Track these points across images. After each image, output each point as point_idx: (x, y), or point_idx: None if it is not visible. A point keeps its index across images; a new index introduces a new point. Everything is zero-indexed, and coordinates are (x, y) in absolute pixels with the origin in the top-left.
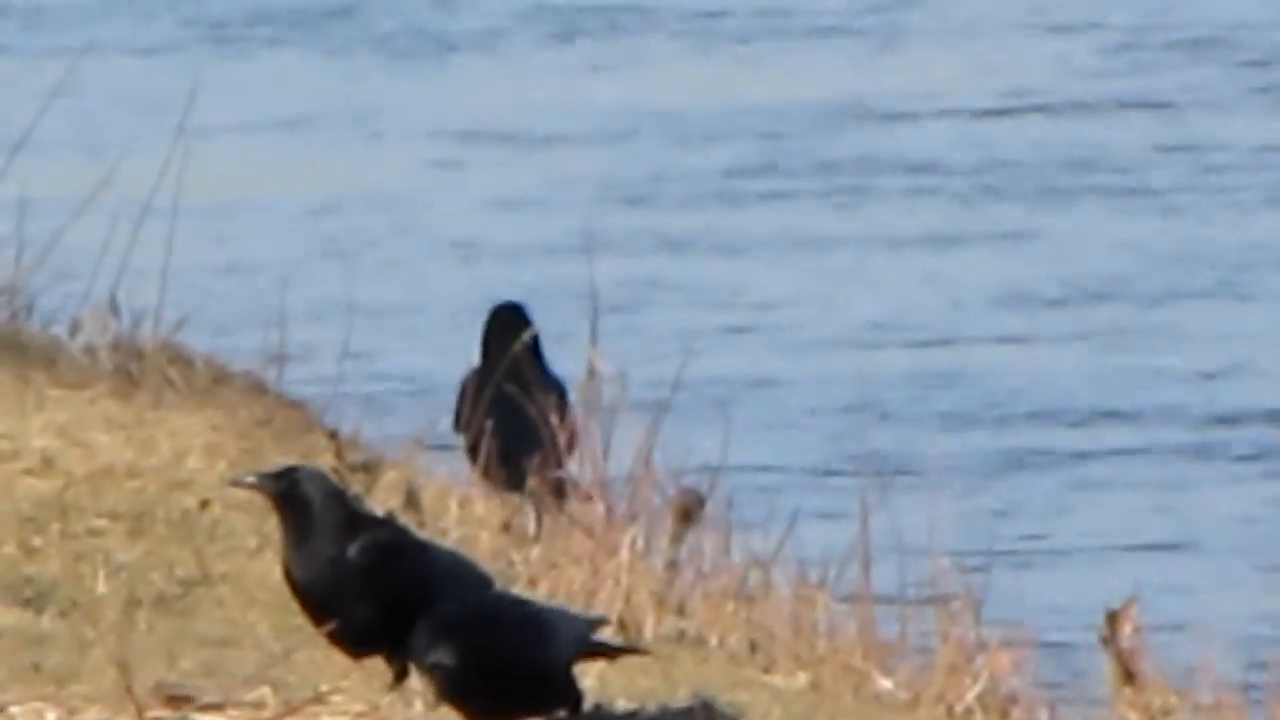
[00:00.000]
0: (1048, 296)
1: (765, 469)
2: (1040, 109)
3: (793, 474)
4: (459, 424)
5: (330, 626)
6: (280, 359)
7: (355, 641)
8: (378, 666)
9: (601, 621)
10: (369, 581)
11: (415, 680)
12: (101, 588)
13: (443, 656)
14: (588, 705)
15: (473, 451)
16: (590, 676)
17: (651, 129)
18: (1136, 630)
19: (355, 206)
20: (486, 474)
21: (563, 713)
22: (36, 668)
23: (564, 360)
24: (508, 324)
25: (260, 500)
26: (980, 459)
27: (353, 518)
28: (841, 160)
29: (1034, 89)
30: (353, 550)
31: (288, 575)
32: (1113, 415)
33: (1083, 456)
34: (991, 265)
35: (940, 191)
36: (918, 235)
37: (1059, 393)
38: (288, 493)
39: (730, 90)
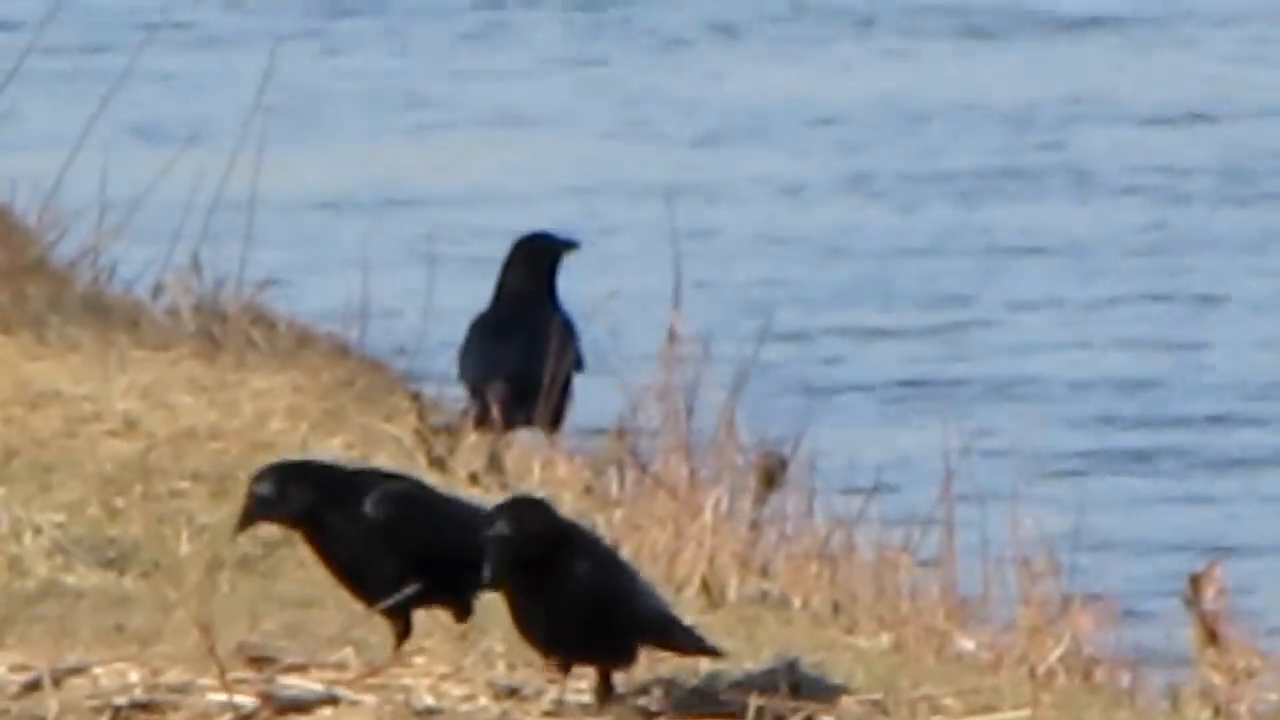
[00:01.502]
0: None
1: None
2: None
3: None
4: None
5: (383, 604)
6: (363, 320)
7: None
8: (459, 629)
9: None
10: (390, 535)
11: (498, 641)
12: (184, 549)
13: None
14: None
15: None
16: None
17: (894, 121)
18: (1220, 593)
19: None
20: (478, 421)
21: (625, 671)
22: (120, 629)
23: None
24: (527, 255)
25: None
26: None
27: (361, 478)
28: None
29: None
30: (368, 506)
31: (325, 561)
32: None
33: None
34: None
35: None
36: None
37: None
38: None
39: (976, 85)
